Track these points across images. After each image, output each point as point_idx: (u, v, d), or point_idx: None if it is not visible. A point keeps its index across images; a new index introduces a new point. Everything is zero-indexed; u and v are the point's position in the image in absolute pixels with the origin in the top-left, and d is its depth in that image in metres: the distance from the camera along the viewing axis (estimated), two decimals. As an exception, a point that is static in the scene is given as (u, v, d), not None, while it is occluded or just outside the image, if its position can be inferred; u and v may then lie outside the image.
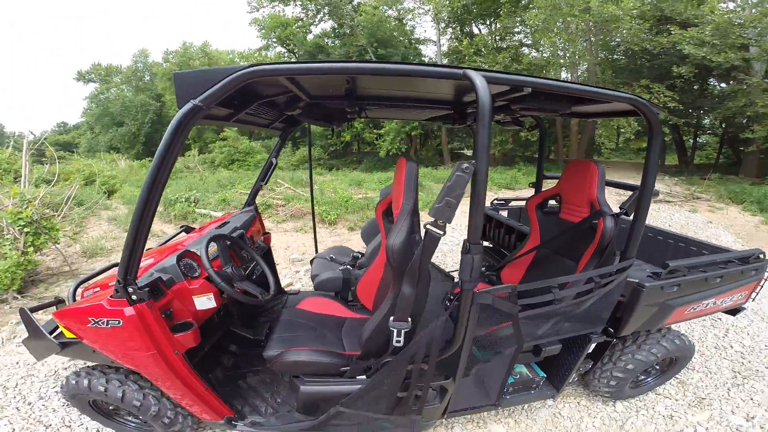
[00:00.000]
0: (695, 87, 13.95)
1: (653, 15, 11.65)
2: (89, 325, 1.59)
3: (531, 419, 2.46)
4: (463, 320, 1.49)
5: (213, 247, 2.18)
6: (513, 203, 4.12)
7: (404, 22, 17.68)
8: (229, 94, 1.24)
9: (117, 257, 5.80)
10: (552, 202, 2.70)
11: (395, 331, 1.51)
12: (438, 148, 19.30)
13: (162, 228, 6.94)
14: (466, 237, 1.36)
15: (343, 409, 1.73)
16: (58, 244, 4.64)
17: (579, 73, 13.43)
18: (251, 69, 1.22)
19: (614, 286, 1.88)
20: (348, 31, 16.28)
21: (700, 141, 19.92)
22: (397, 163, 1.92)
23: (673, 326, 2.67)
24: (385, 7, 15.79)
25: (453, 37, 17.16)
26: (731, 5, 11.40)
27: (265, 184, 2.81)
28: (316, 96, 1.94)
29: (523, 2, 13.64)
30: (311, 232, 7.12)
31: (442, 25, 15.91)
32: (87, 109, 29.98)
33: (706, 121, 16.00)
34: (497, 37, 14.08)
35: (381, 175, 12.28)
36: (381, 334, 1.64)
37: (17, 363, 2.81)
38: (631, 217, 1.87)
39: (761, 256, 2.37)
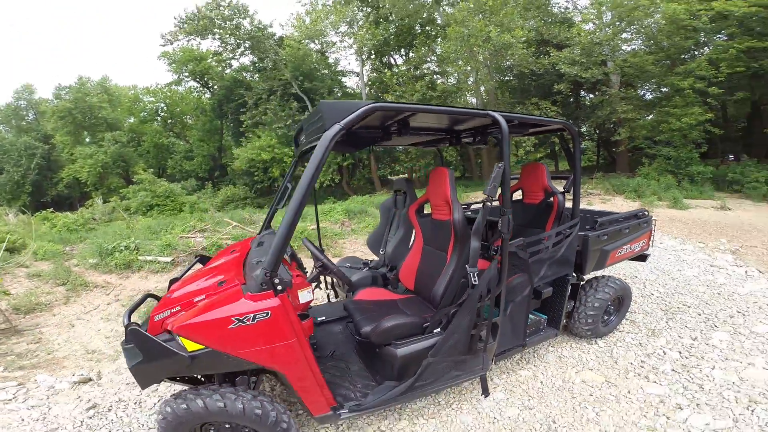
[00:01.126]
0: (571, 100, 16.90)
1: (536, 39, 13.92)
2: (231, 326, 1.65)
3: (545, 362, 3.02)
4: (505, 260, 2.10)
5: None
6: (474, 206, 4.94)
7: (326, 55, 18.45)
8: (361, 121, 1.66)
9: (59, 311, 5.21)
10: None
11: (471, 274, 2.02)
12: (368, 177, 20.07)
13: (104, 278, 6.24)
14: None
15: (432, 360, 2.06)
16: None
17: (483, 96, 15.39)
18: (378, 104, 1.70)
19: (573, 237, 2.77)
20: (271, 65, 16.44)
21: (582, 147, 23.94)
22: (437, 173, 2.60)
23: (611, 273, 3.63)
24: (307, 41, 16.39)
25: (372, 68, 18.40)
26: (591, 26, 14.21)
27: (282, 207, 3.07)
28: (368, 126, 2.44)
29: (433, 33, 15.41)
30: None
31: (364, 57, 17.02)
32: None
33: (584, 128, 19.38)
34: (412, 67, 15.62)
35: (321, 207, 12.22)
36: (452, 287, 2.17)
37: (22, 420, 2.46)
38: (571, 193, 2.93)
39: (645, 212, 3.57)
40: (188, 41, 15.81)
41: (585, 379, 2.78)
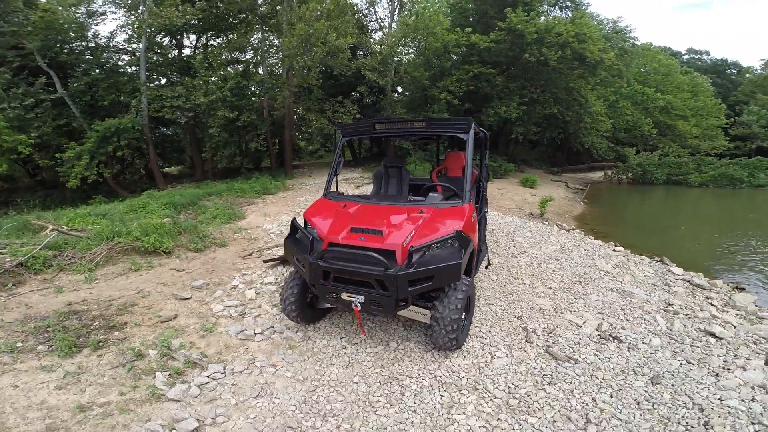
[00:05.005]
0: (366, 101, 20.19)
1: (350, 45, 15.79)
2: (471, 219, 3.06)
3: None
4: (484, 195, 4.28)
5: None
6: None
7: (88, 27, 14.09)
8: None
9: None
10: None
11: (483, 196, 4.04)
12: (143, 170, 16.97)
13: None
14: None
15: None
16: None
17: (294, 90, 15.95)
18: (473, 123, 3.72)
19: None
20: (16, 30, 11.28)
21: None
22: (455, 154, 4.82)
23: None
24: (59, 8, 12.09)
25: (155, 49, 15.59)
26: (382, 37, 17.18)
27: (338, 175, 4.24)
28: None
29: (248, 18, 14.71)
30: (155, 268, 5.67)
31: (148, 35, 14.20)
32: None
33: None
34: (227, 54, 14.40)
35: (132, 203, 9.47)
36: None
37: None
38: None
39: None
40: None
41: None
